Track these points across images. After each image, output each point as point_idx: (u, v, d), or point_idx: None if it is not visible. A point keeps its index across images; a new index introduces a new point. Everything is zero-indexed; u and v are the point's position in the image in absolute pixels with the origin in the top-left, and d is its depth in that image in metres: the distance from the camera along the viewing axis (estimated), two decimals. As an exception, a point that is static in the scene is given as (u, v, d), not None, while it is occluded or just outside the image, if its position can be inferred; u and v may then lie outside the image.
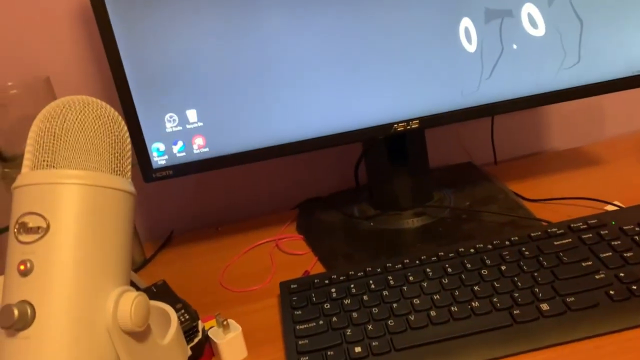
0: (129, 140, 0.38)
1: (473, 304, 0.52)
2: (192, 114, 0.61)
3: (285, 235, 0.76)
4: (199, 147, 0.62)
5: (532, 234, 0.59)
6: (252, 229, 0.79)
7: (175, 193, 0.84)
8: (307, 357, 0.50)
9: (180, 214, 0.86)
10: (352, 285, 0.57)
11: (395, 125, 0.63)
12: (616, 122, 0.89)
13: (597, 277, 0.52)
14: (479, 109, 0.63)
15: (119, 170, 0.37)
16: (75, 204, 0.34)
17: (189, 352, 0.52)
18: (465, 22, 0.60)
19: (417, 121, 0.63)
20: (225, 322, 0.54)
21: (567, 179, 0.76)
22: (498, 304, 0.51)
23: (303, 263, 0.68)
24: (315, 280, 0.59)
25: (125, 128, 0.38)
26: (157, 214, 0.85)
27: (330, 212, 0.77)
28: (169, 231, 0.83)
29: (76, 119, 0.36)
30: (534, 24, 0.60)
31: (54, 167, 0.35)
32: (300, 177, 0.87)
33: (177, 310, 0.54)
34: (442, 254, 0.59)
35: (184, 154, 0.62)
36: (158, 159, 0.62)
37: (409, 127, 0.63)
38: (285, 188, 0.87)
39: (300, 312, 0.56)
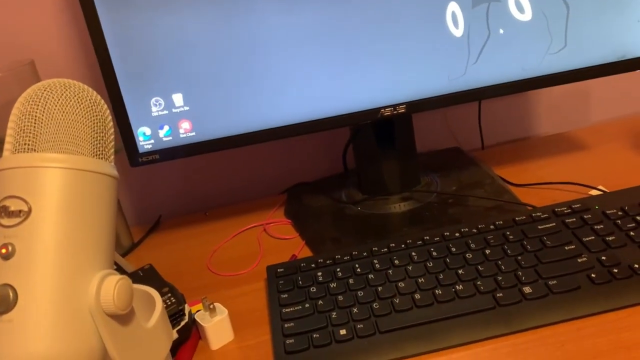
0: (111, 123, 0.38)
1: (457, 287, 0.53)
2: (178, 98, 0.61)
3: (273, 220, 0.76)
4: (185, 131, 0.62)
5: (517, 218, 0.60)
6: (240, 214, 0.79)
7: (163, 178, 0.84)
8: (292, 340, 0.51)
9: (168, 199, 0.86)
10: (338, 269, 0.58)
11: (382, 110, 0.63)
12: (602, 107, 0.90)
13: (579, 260, 0.53)
14: (466, 93, 0.63)
15: (101, 154, 0.37)
16: (57, 187, 0.34)
17: (175, 336, 0.52)
18: (452, 7, 0.60)
19: (404, 106, 0.63)
20: (211, 306, 0.54)
21: (553, 164, 0.76)
22: (482, 287, 0.52)
23: (290, 247, 0.69)
24: (302, 264, 0.60)
25: (108, 111, 0.38)
26: (145, 199, 0.85)
27: (318, 196, 0.77)
28: (157, 216, 0.83)
29: (57, 102, 0.35)
30: (520, 8, 0.60)
31: (35, 150, 0.34)
32: (288, 162, 0.87)
33: (163, 294, 0.54)
34: (427, 237, 0.60)
35: (170, 138, 0.62)
36: (144, 143, 0.62)
37: (395, 112, 0.63)
38: (274, 173, 0.87)
39: (286, 295, 0.56)
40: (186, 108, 0.61)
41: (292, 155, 0.86)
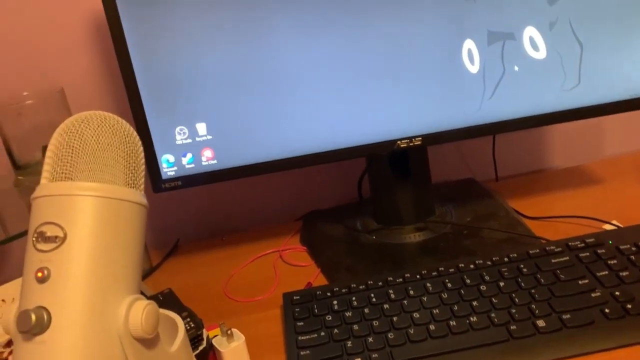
0: (142, 154, 0.40)
1: (471, 318, 0.53)
2: (201, 127, 0.63)
3: (289, 246, 0.77)
4: (208, 159, 0.64)
5: (531, 252, 0.60)
6: (256, 240, 0.80)
7: (182, 203, 0.86)
8: (308, 367, 0.52)
9: (187, 223, 0.87)
10: (353, 298, 0.59)
11: (399, 142, 0.65)
12: (615, 141, 0.91)
13: (593, 295, 0.54)
14: (481, 128, 0.65)
15: (133, 183, 0.38)
16: (91, 214, 0.36)
17: (194, 360, 0.53)
18: (469, 44, 0.62)
19: (420, 138, 0.64)
20: (229, 331, 0.55)
21: (567, 197, 0.77)
22: (495, 320, 0.53)
23: (306, 274, 0.70)
24: (318, 292, 0.61)
25: (140, 143, 0.40)
26: (163, 223, 0.87)
27: (334, 224, 0.79)
28: (175, 240, 0.85)
29: (93, 134, 0.37)
30: (535, 46, 0.62)
31: (71, 179, 0.36)
32: (304, 189, 0.88)
33: (182, 319, 0.55)
34: (442, 269, 0.60)
35: (192, 165, 0.64)
36: (167, 170, 0.64)
37: (411, 144, 0.65)
38: (290, 200, 0.88)
39: (302, 323, 0.57)
40: (209, 137, 0.63)
41: (308, 183, 0.88)
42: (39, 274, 0.34)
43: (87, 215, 0.36)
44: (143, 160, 0.40)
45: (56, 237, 0.35)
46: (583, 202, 0.74)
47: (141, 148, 0.40)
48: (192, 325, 0.54)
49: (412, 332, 0.53)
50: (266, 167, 0.65)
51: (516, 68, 0.63)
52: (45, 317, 0.34)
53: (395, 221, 0.74)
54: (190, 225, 0.87)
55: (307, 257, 0.74)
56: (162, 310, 0.45)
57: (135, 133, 0.40)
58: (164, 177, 0.64)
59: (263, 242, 0.79)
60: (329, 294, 0.60)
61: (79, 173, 0.37)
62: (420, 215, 0.74)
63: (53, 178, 0.37)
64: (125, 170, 0.38)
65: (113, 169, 0.37)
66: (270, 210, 0.89)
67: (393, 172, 0.72)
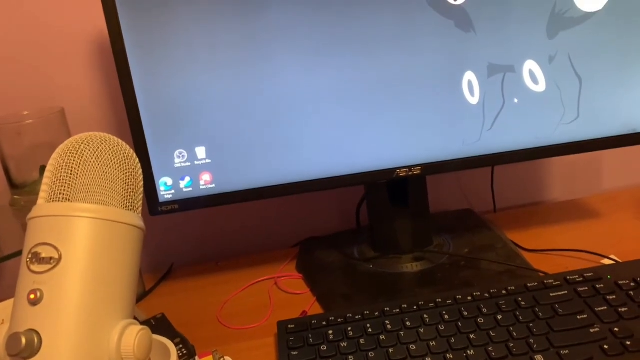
0: (141, 177, 0.40)
1: (468, 352, 0.52)
2: (201, 151, 0.63)
3: (285, 273, 0.76)
4: (206, 183, 0.64)
5: (529, 284, 0.60)
6: (252, 266, 0.80)
7: (177, 226, 0.86)
8: (302, 398, 0.50)
9: (181, 248, 0.86)
10: (349, 328, 0.58)
11: (398, 171, 0.65)
12: (614, 176, 0.91)
13: (591, 330, 0.53)
14: (480, 159, 0.65)
15: (131, 206, 0.38)
16: (88, 237, 0.35)
17: (185, 388, 0.52)
18: (469, 76, 0.62)
19: (419, 168, 0.65)
20: (222, 359, 0.54)
21: (565, 231, 0.77)
22: (493, 353, 0.52)
23: (301, 302, 0.69)
24: (313, 321, 0.60)
25: (139, 165, 0.40)
26: (158, 247, 0.86)
27: (330, 252, 0.78)
28: (169, 264, 0.84)
29: (93, 155, 0.37)
30: (534, 79, 0.63)
31: (69, 200, 0.36)
32: (301, 216, 0.88)
33: (175, 345, 0.54)
34: (439, 300, 0.60)
35: (190, 189, 0.64)
36: (165, 193, 0.64)
37: (410, 173, 0.65)
38: (287, 226, 0.88)
39: (296, 352, 0.56)
40: (208, 161, 0.63)
41: (305, 209, 0.88)
42: (32, 296, 0.34)
43: (83, 237, 0.35)
44: (142, 183, 0.40)
45: (51, 258, 0.35)
46: (581, 236, 0.74)
47: (140, 171, 0.40)
48: (185, 351, 0.53)
49: (408, 364, 0.52)
50: (264, 192, 0.64)
51: (516, 100, 0.63)
52: (36, 340, 0.33)
53: (393, 250, 0.73)
54: (185, 249, 0.87)
55: (303, 284, 0.73)
56: (155, 336, 0.44)
57: (135, 155, 0.40)
58: (161, 200, 0.64)
59: (258, 268, 0.79)
60: (324, 323, 0.59)
61: (77, 194, 0.36)
62: (418, 245, 0.73)
63: (50, 199, 0.36)
64: (124, 192, 0.38)
65: (111, 191, 0.37)
66: (267, 236, 0.88)
67: (392, 201, 0.72)
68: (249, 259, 0.82)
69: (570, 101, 0.64)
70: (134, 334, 0.35)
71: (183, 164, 0.63)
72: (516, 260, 0.69)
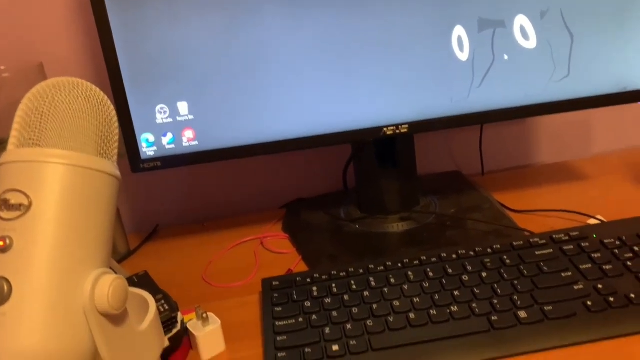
0: (117, 124, 0.38)
1: (452, 308, 0.52)
2: (183, 107, 0.61)
3: (271, 233, 0.76)
4: (189, 140, 0.62)
5: (514, 243, 0.60)
6: (237, 226, 0.79)
7: (163, 186, 0.84)
8: (284, 353, 0.50)
9: (167, 208, 0.86)
10: (333, 285, 0.57)
11: (385, 129, 0.63)
12: (603, 139, 0.90)
13: (575, 287, 0.53)
14: (468, 117, 0.64)
15: (105, 153, 0.37)
16: (59, 183, 0.34)
17: (167, 343, 0.52)
18: (459, 31, 0.61)
19: (407, 126, 0.63)
20: (204, 315, 0.54)
21: (552, 192, 0.76)
22: (477, 310, 0.52)
23: (287, 262, 0.69)
24: (298, 279, 0.60)
25: (114, 112, 0.38)
26: (143, 207, 0.85)
27: (317, 213, 0.77)
28: (154, 224, 0.83)
29: (65, 100, 0.36)
30: (525, 35, 0.61)
31: (39, 145, 0.35)
32: (288, 178, 0.87)
33: (157, 301, 0.54)
34: (424, 258, 0.59)
35: (173, 146, 0.62)
36: (147, 150, 0.62)
37: (398, 131, 0.63)
38: (273, 187, 0.87)
39: (280, 308, 0.56)
40: (190, 117, 0.62)
41: (293, 171, 0.87)
42: (0, 243, 0.33)
43: (55, 183, 0.34)
44: (117, 130, 0.38)
45: (20, 205, 0.33)
46: (569, 198, 0.74)
47: (115, 118, 0.38)
48: (166, 307, 0.53)
49: (391, 320, 0.52)
50: (249, 150, 0.63)
51: (506, 57, 0.62)
52: (6, 288, 0.32)
53: (379, 210, 0.73)
54: (170, 210, 0.86)
55: (289, 244, 0.73)
56: (133, 289, 0.44)
57: (109, 102, 0.38)
58: (143, 157, 0.62)
59: (244, 229, 0.78)
60: (308, 280, 0.59)
61: (48, 140, 0.35)
62: (405, 205, 0.73)
63: (20, 144, 0.35)
64: (97, 139, 0.36)
65: (84, 137, 0.36)
66: (253, 198, 0.87)
67: (379, 161, 0.71)
68: (235, 220, 0.81)
69: (561, 58, 0.63)
70: (108, 283, 0.34)
71: (165, 120, 0.61)
72: (503, 220, 0.68)
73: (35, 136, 0.35)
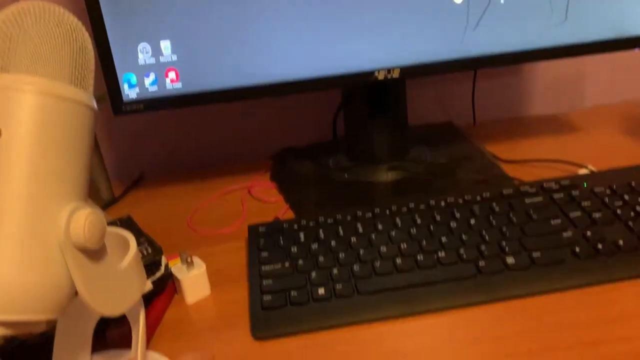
0: (92, 52, 0.36)
1: (439, 254, 0.52)
2: (166, 46, 0.59)
3: (258, 183, 0.74)
4: (172, 81, 0.60)
5: (504, 192, 0.59)
6: (224, 175, 0.78)
7: (148, 134, 0.82)
8: (270, 297, 0.50)
9: (152, 156, 0.84)
10: (320, 231, 0.57)
11: (376, 74, 0.62)
12: (598, 92, 0.89)
13: (564, 235, 0.53)
14: (462, 61, 0.62)
15: (80, 83, 0.35)
16: (31, 111, 0.32)
17: (150, 287, 0.51)
18: (454, -30, 0.58)
19: (399, 70, 0.61)
20: (189, 259, 0.53)
21: (544, 144, 0.75)
22: (464, 256, 0.51)
23: (274, 210, 0.68)
24: (285, 225, 0.59)
25: (89, 39, 0.36)
26: (127, 155, 0.83)
27: (305, 162, 0.76)
28: (139, 172, 0.81)
29: (35, 23, 0.33)
30: (523, -23, 0.59)
31: (8, 71, 0.33)
32: (276, 127, 0.85)
33: (139, 244, 0.53)
34: (412, 205, 0.59)
35: (155, 88, 0.60)
36: (129, 92, 0.60)
37: (389, 76, 0.62)
38: (261, 137, 0.85)
39: (267, 254, 0.55)
40: (174, 57, 0.59)
41: (281, 121, 0.85)
42: (-31, 174, 0.31)
43: (26, 111, 0.32)
44: (92, 60, 0.36)
45: (-11, 134, 0.32)
46: (560, 149, 0.73)
47: (90, 46, 0.36)
48: (150, 250, 0.52)
49: (378, 265, 0.51)
50: (234, 94, 0.61)
51: (502, 0, 0.60)
52: (-24, 219, 0.31)
53: (368, 160, 0.71)
54: (156, 158, 0.84)
55: (277, 193, 0.72)
56: (114, 228, 0.42)
57: (83, 28, 0.36)
58: (125, 99, 0.60)
59: (232, 178, 0.77)
60: (295, 226, 0.58)
61: (18, 66, 0.33)
62: (395, 155, 0.72)
63: (-13, 71, 0.33)
64: (71, 67, 0.34)
65: (57, 64, 0.34)
66: (241, 147, 0.86)
67: (369, 109, 0.69)
68: (222, 169, 0.80)
69: (559, 3, 0.60)
70: (84, 216, 0.33)
71: (147, 60, 0.59)
72: (493, 170, 0.68)
73: (3, 62, 0.33)
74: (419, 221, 0.56)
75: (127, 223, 0.56)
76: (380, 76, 0.62)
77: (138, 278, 0.41)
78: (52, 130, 0.33)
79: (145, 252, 0.51)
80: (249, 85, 0.61)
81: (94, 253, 0.35)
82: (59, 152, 0.33)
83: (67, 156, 0.33)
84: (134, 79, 0.59)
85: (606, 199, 0.56)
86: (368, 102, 0.69)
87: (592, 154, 0.70)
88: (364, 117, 0.70)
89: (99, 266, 0.35)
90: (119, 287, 0.38)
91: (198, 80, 0.60)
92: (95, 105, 0.36)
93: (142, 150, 0.83)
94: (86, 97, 0.35)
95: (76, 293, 0.34)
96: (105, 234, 0.36)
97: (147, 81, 0.60)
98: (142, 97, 0.60)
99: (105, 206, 0.73)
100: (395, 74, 0.61)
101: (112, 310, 0.36)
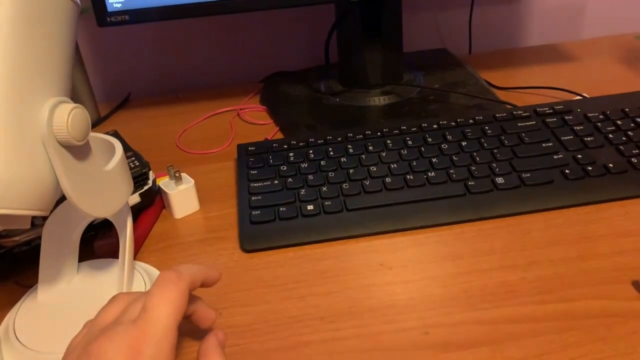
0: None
1: (429, 174, 0.52)
2: (152, -47, 0.56)
3: (248, 105, 0.73)
4: (159, -9, 0.57)
5: (497, 115, 0.58)
6: (213, 98, 0.76)
7: (135, 54, 0.80)
8: (259, 212, 0.50)
9: (139, 78, 0.82)
10: (310, 151, 0.56)
11: (371, -11, 0.59)
12: (595, 24, 0.87)
13: (555, 157, 0.52)
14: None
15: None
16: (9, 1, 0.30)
17: (138, 199, 0.50)
18: None
19: (395, -14, 0.59)
20: (177, 174, 0.52)
21: (540, 72, 0.74)
22: (454, 175, 0.51)
23: (264, 132, 0.67)
24: (274, 145, 0.58)
25: None
26: (113, 76, 0.81)
27: (296, 86, 0.74)
28: (126, 93, 0.79)
29: None
30: None
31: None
32: (268, 50, 0.83)
33: (127, 158, 0.52)
34: (404, 127, 0.58)
35: (142, -2, 0.58)
36: (113, 1, 0.57)
37: (385, -8, 0.59)
38: (252, 61, 0.83)
39: (256, 171, 0.55)
40: (161, -35, 0.56)
41: (273, 44, 0.82)
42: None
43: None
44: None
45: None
46: (555, 77, 0.72)
47: None
48: (137, 164, 0.51)
49: (367, 183, 0.51)
50: (223, 6, 0.59)
51: None
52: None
53: (361, 83, 0.70)
54: (143, 80, 0.82)
55: (267, 116, 0.71)
56: (98, 134, 0.42)
57: None
58: (109, 9, 0.58)
59: (220, 100, 0.75)
60: (285, 146, 0.58)
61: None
62: (388, 79, 0.70)
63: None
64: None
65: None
66: (231, 70, 0.83)
67: (363, 30, 0.67)
68: (211, 91, 0.78)
69: None
70: (67, 111, 0.32)
71: (133, -32, 0.56)
72: (487, 95, 0.67)
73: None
74: (410, 143, 0.56)
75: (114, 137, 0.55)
76: (376, -7, 0.59)
77: (125, 183, 0.40)
78: (31, 17, 0.31)
79: (132, 165, 0.50)
80: (238, -1, 0.59)
81: (79, 151, 0.34)
82: (41, 43, 0.32)
83: (48, 48, 0.32)
84: (118, -12, 0.57)
85: (599, 124, 0.56)
86: (362, 23, 0.67)
87: (587, 82, 0.70)
88: (357, 39, 0.68)
89: (83, 165, 0.35)
90: (104, 189, 0.37)
91: (186, -8, 0.58)
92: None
93: (130, 72, 0.81)
94: (66, -13, 0.33)
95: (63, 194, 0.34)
96: (91, 136, 0.35)
97: (133, -9, 0.57)
98: (127, 8, 0.58)
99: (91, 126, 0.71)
100: (392, -9, 0.59)
101: (97, 210, 0.36)
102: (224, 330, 0.36)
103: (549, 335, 0.37)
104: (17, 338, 0.38)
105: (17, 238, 0.44)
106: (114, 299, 0.34)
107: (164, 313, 0.30)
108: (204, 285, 0.35)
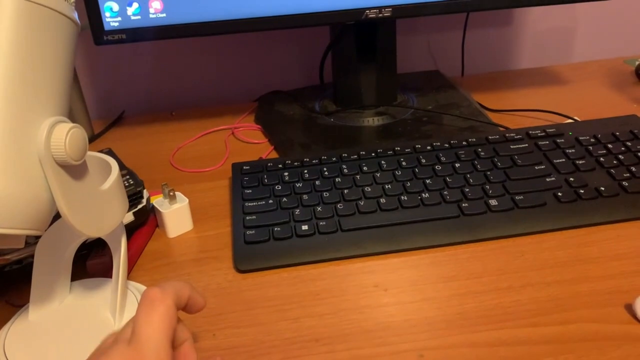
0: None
1: (423, 195, 0.52)
2: (150, -27, 0.56)
3: (243, 124, 0.73)
4: (156, 11, 0.58)
5: (490, 137, 0.59)
6: (208, 117, 0.76)
7: (130, 72, 0.80)
8: (253, 231, 0.50)
9: (134, 96, 0.82)
10: (305, 171, 0.56)
11: (367, 11, 0.60)
12: (586, 48, 0.89)
13: (547, 179, 0.53)
14: (455, 3, 0.60)
15: (61, -6, 0.33)
16: (9, 17, 0.30)
17: (132, 218, 0.50)
18: None
19: (390, 9, 0.60)
20: (171, 193, 0.52)
21: (531, 95, 0.75)
22: (448, 197, 0.51)
23: (258, 151, 0.67)
24: (269, 164, 0.58)
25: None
26: (108, 93, 0.81)
27: (291, 105, 0.75)
28: (120, 111, 0.79)
29: None
30: None
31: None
32: (263, 70, 0.83)
33: (122, 177, 0.52)
34: (398, 148, 0.58)
35: (139, 17, 0.58)
36: (110, 20, 0.58)
37: (381, 14, 0.60)
38: (247, 80, 0.84)
39: (250, 190, 0.55)
40: (159, -14, 0.57)
41: (268, 63, 0.83)
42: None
43: (4, 17, 0.30)
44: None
45: (-36, 39, 0.30)
46: (547, 100, 0.73)
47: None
48: (132, 182, 0.51)
49: (362, 204, 0.51)
50: (220, 27, 0.59)
51: (499, -60, 0.58)
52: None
53: (355, 104, 0.70)
54: (137, 98, 0.82)
55: (261, 135, 0.71)
56: (94, 153, 0.41)
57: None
58: (106, 27, 0.58)
59: (215, 119, 0.75)
60: (280, 165, 0.58)
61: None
62: (382, 100, 0.71)
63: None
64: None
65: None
66: (226, 89, 0.84)
67: (358, 51, 0.68)
68: (206, 109, 0.78)
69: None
70: (65, 131, 0.32)
71: (130, -12, 0.57)
72: (480, 117, 0.67)
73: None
74: (404, 164, 0.56)
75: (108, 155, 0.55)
76: (372, 14, 0.60)
77: (120, 202, 0.40)
78: (32, 39, 0.31)
79: (126, 184, 0.50)
80: (234, 18, 0.59)
81: (75, 170, 0.34)
82: (39, 62, 0.32)
83: (47, 68, 0.32)
84: (116, 7, 0.57)
85: (590, 147, 0.56)
86: (357, 44, 0.67)
87: (578, 105, 0.71)
88: (352, 60, 0.68)
89: (80, 184, 0.34)
90: (100, 209, 0.37)
91: (182, 11, 0.58)
92: (77, 19, 0.34)
93: (124, 89, 0.81)
94: (68, 8, 0.33)
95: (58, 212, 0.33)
96: (87, 155, 0.35)
97: (130, 10, 0.57)
98: (125, 27, 0.58)
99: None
100: (387, 13, 0.60)
101: (92, 230, 0.35)
102: (220, 353, 0.35)
103: (544, 358, 0.37)
104: (6, 358, 0.38)
105: (8, 256, 0.43)
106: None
107: (153, 331, 0.30)
108: (188, 309, 0.35)
